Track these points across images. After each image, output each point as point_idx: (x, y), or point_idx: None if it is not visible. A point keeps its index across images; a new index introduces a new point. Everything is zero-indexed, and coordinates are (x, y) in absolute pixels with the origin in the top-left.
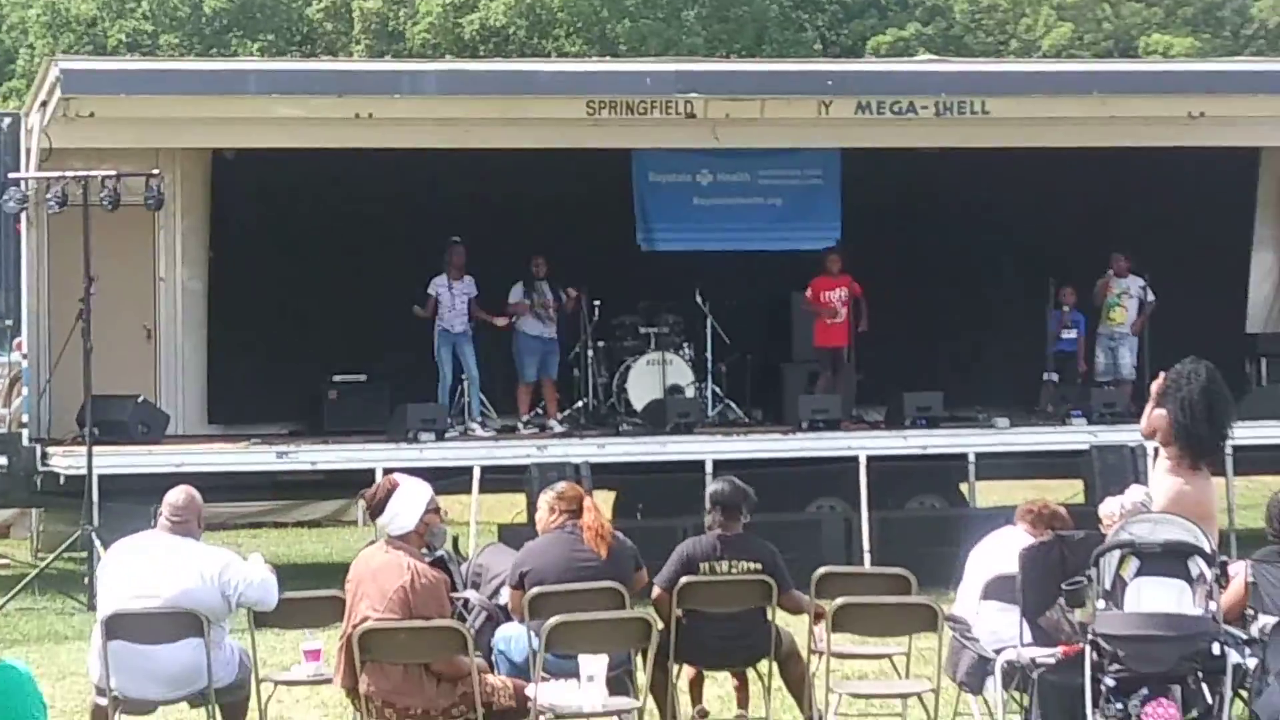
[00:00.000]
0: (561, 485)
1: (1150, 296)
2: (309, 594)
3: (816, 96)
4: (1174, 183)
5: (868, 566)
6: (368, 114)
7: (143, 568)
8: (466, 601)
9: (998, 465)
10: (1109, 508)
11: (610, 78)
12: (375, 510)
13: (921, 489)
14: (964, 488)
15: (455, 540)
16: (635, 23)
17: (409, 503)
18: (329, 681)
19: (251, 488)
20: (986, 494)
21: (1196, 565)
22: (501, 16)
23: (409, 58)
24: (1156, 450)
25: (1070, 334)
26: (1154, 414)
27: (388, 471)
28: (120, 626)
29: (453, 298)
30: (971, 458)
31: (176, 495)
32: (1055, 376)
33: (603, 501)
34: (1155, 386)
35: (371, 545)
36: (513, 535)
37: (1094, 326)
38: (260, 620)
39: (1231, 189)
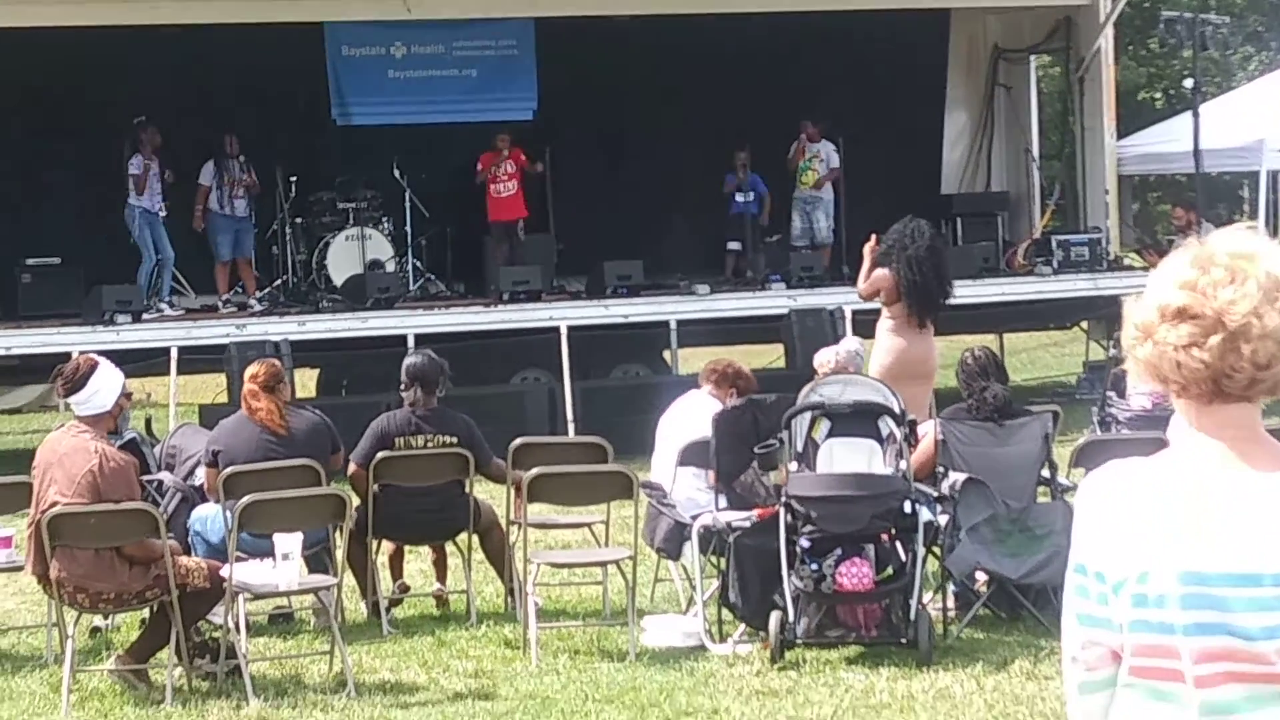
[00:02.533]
0: (253, 367)
1: (835, 162)
2: None
3: None
4: (867, 46)
5: (572, 436)
6: None
7: None
8: (160, 484)
9: (699, 332)
10: (824, 356)
11: None
12: (74, 386)
13: (625, 358)
14: (667, 355)
15: (148, 422)
16: None
17: (108, 381)
18: (21, 569)
19: None
20: (691, 361)
21: (886, 425)
22: None
23: None
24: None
25: (743, 197)
26: (876, 274)
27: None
28: None
29: (150, 178)
30: (673, 325)
31: None
32: (738, 245)
33: (307, 379)
34: (868, 248)
35: (58, 430)
36: (213, 415)
37: (789, 191)
38: None
39: (923, 51)
